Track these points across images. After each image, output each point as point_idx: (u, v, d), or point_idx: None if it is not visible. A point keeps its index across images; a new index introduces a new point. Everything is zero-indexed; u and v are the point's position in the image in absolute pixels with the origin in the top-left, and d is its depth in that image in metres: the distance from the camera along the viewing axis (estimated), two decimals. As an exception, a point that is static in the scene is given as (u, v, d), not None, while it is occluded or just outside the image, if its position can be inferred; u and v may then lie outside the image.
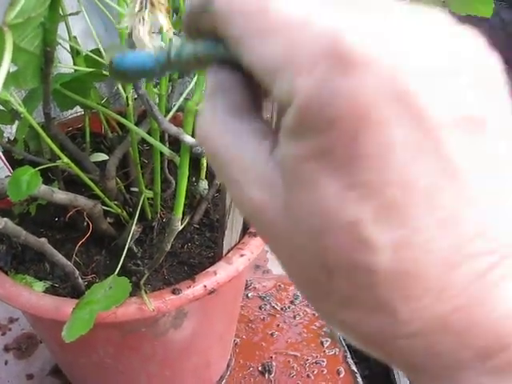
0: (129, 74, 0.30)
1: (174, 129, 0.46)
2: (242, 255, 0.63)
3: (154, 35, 0.38)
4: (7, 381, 0.93)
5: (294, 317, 1.03)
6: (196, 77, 0.55)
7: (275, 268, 1.12)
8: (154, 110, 0.42)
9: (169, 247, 0.57)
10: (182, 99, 0.55)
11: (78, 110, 0.84)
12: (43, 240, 0.51)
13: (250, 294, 1.06)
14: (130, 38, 0.41)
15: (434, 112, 0.17)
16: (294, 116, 0.18)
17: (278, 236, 0.20)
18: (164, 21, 0.39)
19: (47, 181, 0.66)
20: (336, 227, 0.18)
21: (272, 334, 1.00)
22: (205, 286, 0.60)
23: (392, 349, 0.19)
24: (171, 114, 0.53)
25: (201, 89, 0.49)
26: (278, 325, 1.01)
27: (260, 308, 1.04)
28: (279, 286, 1.09)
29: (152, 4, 0.39)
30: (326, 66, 0.17)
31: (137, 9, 0.39)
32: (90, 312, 0.51)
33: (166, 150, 0.51)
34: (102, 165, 0.77)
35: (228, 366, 0.94)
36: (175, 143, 0.70)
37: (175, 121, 0.58)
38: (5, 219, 0.41)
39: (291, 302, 1.05)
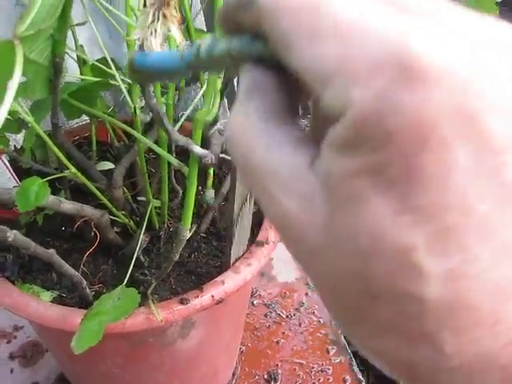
0: (151, 73, 0.29)
1: (183, 139, 0.46)
2: (249, 264, 0.63)
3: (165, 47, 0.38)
4: (12, 389, 0.93)
5: (300, 324, 1.02)
6: (205, 86, 0.55)
7: (280, 275, 1.12)
8: (165, 120, 0.42)
9: (177, 257, 0.57)
10: (190, 109, 0.55)
11: (83, 119, 0.84)
12: (52, 251, 0.51)
13: (255, 302, 1.06)
14: (141, 49, 0.41)
15: (501, 136, 0.15)
16: (346, 128, 0.17)
17: (314, 253, 0.19)
18: (177, 32, 0.39)
19: (54, 190, 0.66)
20: (386, 251, 0.16)
21: (277, 342, 0.99)
22: (212, 296, 0.60)
23: (431, 381, 0.18)
24: (179, 123, 0.53)
25: (210, 99, 0.49)
26: (284, 332, 1.01)
27: (265, 316, 1.04)
28: (284, 293, 1.08)
29: (164, 16, 0.39)
30: (388, 76, 0.16)
31: (149, 21, 0.39)
32: (98, 323, 0.50)
33: (173, 160, 0.50)
34: (108, 174, 0.77)
35: (234, 374, 0.93)
36: (182, 153, 0.70)
37: (182, 130, 0.58)
38: (14, 231, 0.41)
39: (296, 310, 1.05)
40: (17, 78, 0.38)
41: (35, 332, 0.92)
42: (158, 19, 0.39)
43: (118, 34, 1.10)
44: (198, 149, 0.47)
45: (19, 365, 0.97)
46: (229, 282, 0.61)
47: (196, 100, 0.59)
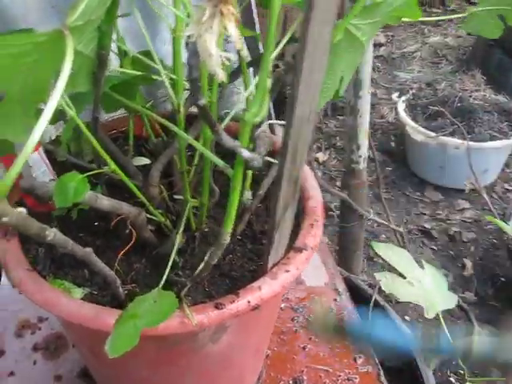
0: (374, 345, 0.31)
1: (231, 142, 0.44)
2: (287, 271, 0.61)
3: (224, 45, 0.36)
4: (35, 381, 0.92)
5: (327, 330, 1.00)
6: (253, 85, 0.53)
7: (309, 279, 1.10)
8: (216, 124, 0.40)
9: (215, 261, 0.55)
10: (236, 108, 0.53)
11: (118, 112, 0.83)
12: (89, 250, 0.49)
13: (282, 305, 1.04)
14: (194, 47, 0.39)
15: None
16: None
17: None
18: (234, 31, 0.37)
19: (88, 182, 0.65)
20: None
21: (304, 348, 0.97)
22: (249, 302, 0.58)
23: None
24: (224, 123, 0.51)
25: (259, 99, 0.47)
26: (311, 338, 0.99)
27: (292, 320, 1.02)
28: (312, 297, 1.06)
29: (222, 13, 0.37)
30: None
31: (205, 17, 0.37)
32: (134, 327, 0.49)
33: (218, 161, 0.48)
34: (143, 169, 0.76)
35: (259, 378, 0.91)
36: (221, 149, 0.68)
37: (225, 129, 0.56)
38: (54, 230, 0.39)
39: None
40: (67, 70, 0.36)
41: (60, 324, 0.92)
42: (215, 16, 0.37)
43: (153, 25, 1.09)
44: (245, 152, 0.45)
45: (42, 357, 0.96)
46: (265, 288, 0.59)
47: (243, 98, 0.56)
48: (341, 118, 2.72)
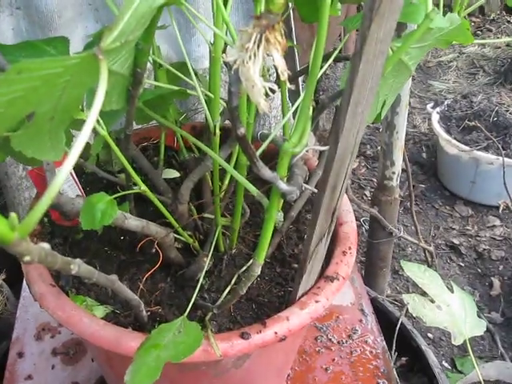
0: None
1: (269, 174, 0.41)
2: (317, 301, 0.58)
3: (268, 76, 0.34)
4: (52, 387, 0.91)
5: (351, 352, 0.97)
6: (291, 112, 0.50)
7: (335, 299, 1.07)
8: (255, 156, 0.38)
9: (244, 291, 0.53)
10: (274, 133, 0.50)
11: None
12: (114, 278, 0.47)
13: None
14: (236, 74, 0.36)
15: None
16: None
17: None
18: (280, 61, 0.34)
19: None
20: None
21: (326, 369, 0.94)
22: (276, 333, 0.56)
23: None
24: (262, 149, 0.48)
25: (301, 128, 0.44)
26: (334, 359, 0.96)
27: (316, 339, 0.99)
28: (337, 317, 1.03)
29: (267, 40, 0.34)
30: None
31: (250, 44, 0.34)
32: (156, 359, 0.47)
33: (254, 189, 0.46)
34: (171, 182, 0.74)
35: (279, 399, 0.89)
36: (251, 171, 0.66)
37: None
38: (78, 262, 0.37)
39: (349, 337, 1.00)
40: (101, 95, 0.34)
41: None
42: (260, 43, 0.35)
43: (188, 26, 1.07)
44: (283, 185, 0.42)
45: (61, 362, 0.95)
46: (294, 319, 0.57)
47: (281, 125, 0.54)
48: (372, 125, 2.68)
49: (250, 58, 0.36)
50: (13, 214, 0.28)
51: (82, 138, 0.31)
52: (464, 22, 0.56)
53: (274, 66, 0.37)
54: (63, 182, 0.28)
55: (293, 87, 0.36)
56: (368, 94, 0.40)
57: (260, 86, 0.35)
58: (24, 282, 1.05)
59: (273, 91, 0.36)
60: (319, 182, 0.45)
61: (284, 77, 0.35)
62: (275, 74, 0.61)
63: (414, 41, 0.44)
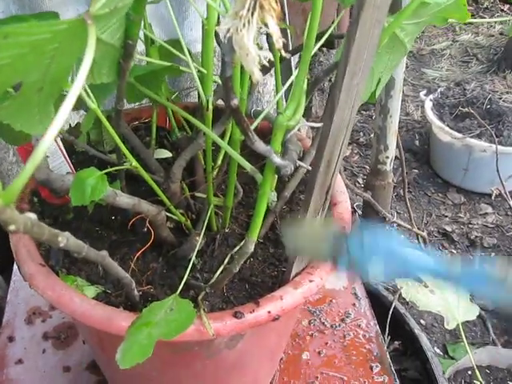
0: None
1: (263, 147, 0.41)
2: (310, 281, 0.58)
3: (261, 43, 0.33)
4: (43, 370, 0.90)
5: (344, 336, 0.97)
6: (286, 86, 0.49)
7: (327, 281, 1.06)
8: (249, 128, 0.37)
9: (237, 269, 0.52)
10: (269, 108, 0.50)
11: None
12: (104, 254, 0.46)
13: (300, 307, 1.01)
14: (229, 43, 0.35)
15: None
16: None
17: None
18: (274, 28, 0.33)
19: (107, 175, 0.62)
20: None
21: (319, 353, 0.94)
22: (269, 312, 0.55)
23: None
24: (255, 124, 0.47)
25: (295, 102, 0.43)
26: (327, 343, 0.96)
27: (309, 323, 0.99)
28: (330, 301, 1.03)
29: (262, 7, 0.33)
30: None
31: (244, 10, 0.33)
32: (148, 337, 0.46)
33: (247, 165, 0.45)
34: (163, 162, 0.73)
35: (271, 382, 0.89)
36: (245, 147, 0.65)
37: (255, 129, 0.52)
38: (66, 234, 0.37)
39: (342, 320, 1.00)
40: (88, 62, 0.33)
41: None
42: (254, 10, 0.34)
43: (181, 9, 1.05)
44: (277, 159, 0.41)
45: (52, 346, 0.94)
46: (287, 298, 0.56)
47: (276, 99, 0.53)
48: (365, 113, 2.67)
49: (243, 25, 0.35)
50: (-2, 180, 0.27)
51: (69, 100, 0.30)
52: (460, -1, 0.56)
53: (267, 36, 0.36)
54: (48, 145, 0.27)
55: (289, 56, 0.35)
56: (364, 65, 0.39)
57: (254, 53, 0.34)
58: (14, 266, 1.04)
59: (264, 67, 0.35)
60: (314, 158, 0.45)
61: (279, 44, 0.34)
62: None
63: (410, 13, 0.43)
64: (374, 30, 0.37)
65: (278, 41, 0.34)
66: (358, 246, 0.39)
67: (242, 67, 0.53)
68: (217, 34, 0.53)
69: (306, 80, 0.44)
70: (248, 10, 0.34)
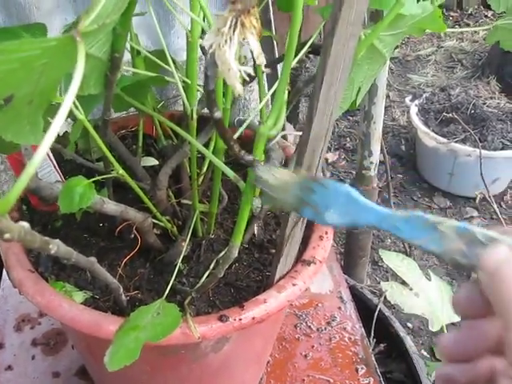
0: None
1: (246, 157, 0.42)
2: (294, 284, 0.59)
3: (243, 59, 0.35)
4: (33, 377, 0.91)
5: (330, 339, 0.99)
6: (268, 96, 0.51)
7: (313, 285, 1.08)
8: (232, 139, 0.39)
9: (222, 274, 0.54)
10: (251, 117, 0.51)
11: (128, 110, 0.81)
12: (93, 260, 0.48)
13: (286, 311, 1.02)
14: (212, 58, 0.37)
15: None
16: None
17: None
18: (255, 45, 0.35)
19: (95, 183, 0.63)
20: None
21: (306, 356, 0.96)
22: (253, 315, 0.56)
23: None
24: (238, 133, 0.49)
25: (276, 111, 0.45)
26: (313, 346, 0.97)
27: (295, 326, 1.00)
28: (316, 305, 1.05)
29: (243, 25, 0.35)
30: None
31: (226, 27, 0.35)
32: (135, 340, 0.47)
33: (231, 173, 0.47)
34: (150, 170, 0.74)
35: (258, 385, 0.90)
36: (229, 155, 0.67)
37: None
38: (57, 242, 0.38)
39: (328, 324, 1.01)
40: (78, 78, 0.34)
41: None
42: (236, 27, 0.36)
43: (167, 19, 1.07)
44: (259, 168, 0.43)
45: (41, 352, 0.95)
46: (271, 302, 0.58)
47: (258, 108, 0.55)
48: (351, 118, 2.70)
49: (225, 41, 0.36)
50: (-9, 191, 0.28)
51: (60, 116, 0.31)
52: (436, 11, 0.58)
53: (251, 51, 0.38)
54: (41, 159, 0.29)
55: (268, 71, 0.37)
56: (340, 75, 0.41)
57: (235, 69, 0.36)
58: (3, 273, 1.05)
59: (249, 76, 0.36)
60: (295, 164, 0.46)
61: (259, 60, 0.36)
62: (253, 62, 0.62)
63: (386, 25, 0.45)
64: (349, 43, 0.39)
65: (259, 57, 0.35)
66: (321, 195, 0.42)
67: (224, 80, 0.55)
68: (201, 45, 0.54)
69: (286, 91, 0.46)
70: (230, 27, 0.36)
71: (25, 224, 0.31)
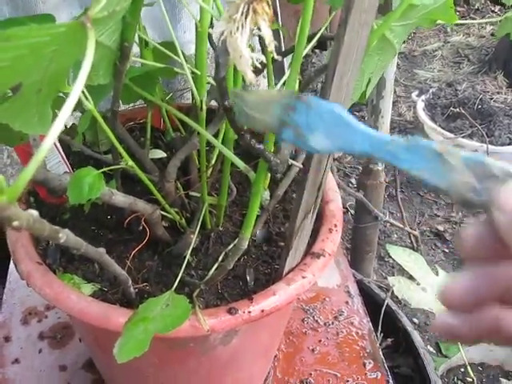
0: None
1: (257, 147, 0.42)
2: (303, 277, 0.59)
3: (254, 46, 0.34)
4: (40, 370, 0.91)
5: (337, 333, 0.98)
6: (279, 86, 0.50)
7: (321, 279, 1.07)
8: (243, 128, 0.38)
9: (231, 266, 0.53)
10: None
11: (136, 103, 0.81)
12: (102, 251, 0.47)
13: (293, 305, 1.02)
14: (223, 45, 0.37)
15: None
16: None
17: None
18: (267, 31, 0.34)
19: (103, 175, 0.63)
20: None
21: (313, 350, 0.95)
22: (262, 308, 0.56)
23: None
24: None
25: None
26: (320, 340, 0.97)
27: (303, 321, 1.00)
28: (324, 299, 1.04)
29: (255, 11, 0.34)
30: None
31: (238, 14, 0.35)
32: (144, 331, 0.47)
33: (241, 163, 0.46)
34: (158, 163, 0.74)
35: (266, 379, 0.90)
36: (238, 146, 0.67)
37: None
38: (66, 231, 0.38)
39: (335, 318, 1.01)
40: (88, 65, 0.34)
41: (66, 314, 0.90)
42: (248, 14, 0.35)
43: (174, 12, 1.06)
44: (270, 158, 0.43)
45: (48, 345, 0.95)
46: (281, 294, 0.57)
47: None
48: (358, 114, 2.69)
49: (237, 28, 0.36)
50: (1, 177, 0.28)
51: (69, 104, 0.31)
52: (448, 1, 0.57)
53: (260, 40, 0.37)
54: (50, 146, 0.29)
55: (280, 58, 0.36)
56: (353, 65, 0.40)
57: (247, 56, 0.36)
58: (10, 267, 1.05)
59: (261, 63, 0.36)
60: (305, 156, 0.46)
61: (271, 47, 0.35)
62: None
63: (398, 16, 0.45)
64: (363, 31, 0.38)
65: (270, 44, 0.35)
66: (304, 114, 0.37)
67: (235, 68, 0.54)
68: (210, 37, 0.54)
69: (297, 80, 0.45)
70: (242, 13, 0.35)
71: (34, 212, 0.30)
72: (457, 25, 3.44)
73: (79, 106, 0.60)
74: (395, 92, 2.80)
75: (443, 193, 0.33)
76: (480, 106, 2.24)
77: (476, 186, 0.31)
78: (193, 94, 0.55)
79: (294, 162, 0.50)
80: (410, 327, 1.14)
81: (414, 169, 0.33)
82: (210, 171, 0.65)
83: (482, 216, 0.32)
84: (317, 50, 2.15)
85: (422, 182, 0.34)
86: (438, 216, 2.17)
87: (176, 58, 0.57)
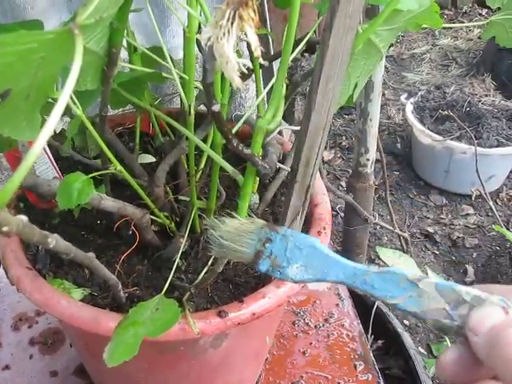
0: None
1: (245, 151, 0.42)
2: (292, 280, 0.59)
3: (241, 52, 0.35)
4: (30, 376, 0.91)
5: (328, 336, 0.99)
6: (266, 91, 0.51)
7: (311, 284, 1.08)
8: (230, 132, 0.39)
9: (221, 269, 0.53)
10: (248, 112, 0.51)
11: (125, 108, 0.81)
12: (92, 256, 0.48)
13: (283, 308, 1.02)
14: (210, 51, 0.37)
15: None
16: None
17: None
18: (253, 37, 0.35)
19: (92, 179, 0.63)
20: None
21: (304, 353, 0.96)
22: (252, 311, 0.56)
23: None
24: (237, 128, 0.49)
25: (274, 105, 0.45)
26: (311, 343, 0.97)
27: (293, 324, 1.00)
28: (314, 302, 1.05)
29: (241, 17, 0.35)
30: None
31: (224, 20, 0.35)
32: (134, 336, 0.47)
33: (229, 167, 0.47)
34: (148, 167, 0.74)
35: (257, 382, 0.90)
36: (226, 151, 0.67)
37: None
38: (55, 236, 0.38)
39: (326, 320, 1.01)
40: (76, 71, 0.34)
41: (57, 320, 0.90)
42: (234, 20, 0.36)
43: (163, 17, 1.07)
44: (258, 161, 0.43)
45: (39, 351, 0.94)
46: (270, 297, 0.58)
47: (256, 103, 0.55)
48: (347, 117, 2.71)
49: (223, 34, 0.36)
50: (-10, 183, 0.28)
51: (58, 109, 0.31)
52: (433, 5, 0.58)
53: (247, 45, 0.38)
54: (40, 150, 0.29)
55: (266, 63, 0.37)
56: (338, 69, 0.41)
57: (234, 61, 0.36)
58: (0, 272, 1.05)
59: (248, 69, 0.36)
60: (293, 158, 0.46)
61: (257, 53, 0.36)
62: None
63: (383, 20, 0.45)
64: (347, 36, 0.39)
65: (257, 49, 0.35)
66: (282, 246, 0.39)
67: (222, 73, 0.55)
68: (198, 42, 0.54)
69: (284, 84, 0.46)
70: (228, 20, 0.36)
71: (23, 217, 0.31)
72: (445, 28, 3.46)
73: (68, 111, 0.61)
74: (384, 95, 2.82)
75: (419, 319, 0.34)
76: (468, 109, 2.26)
77: (450, 311, 0.33)
78: (181, 99, 0.55)
79: (282, 166, 0.51)
80: (400, 329, 1.14)
81: (388, 297, 0.35)
82: (198, 175, 0.66)
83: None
84: (306, 54, 2.16)
85: (396, 309, 0.35)
86: (428, 218, 2.19)
87: (164, 63, 0.57)
